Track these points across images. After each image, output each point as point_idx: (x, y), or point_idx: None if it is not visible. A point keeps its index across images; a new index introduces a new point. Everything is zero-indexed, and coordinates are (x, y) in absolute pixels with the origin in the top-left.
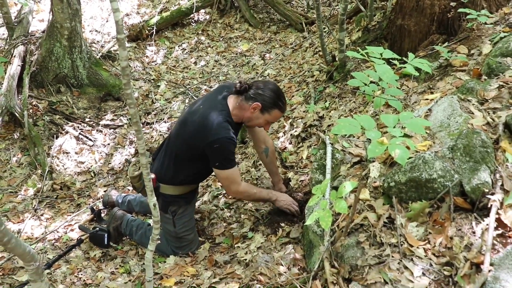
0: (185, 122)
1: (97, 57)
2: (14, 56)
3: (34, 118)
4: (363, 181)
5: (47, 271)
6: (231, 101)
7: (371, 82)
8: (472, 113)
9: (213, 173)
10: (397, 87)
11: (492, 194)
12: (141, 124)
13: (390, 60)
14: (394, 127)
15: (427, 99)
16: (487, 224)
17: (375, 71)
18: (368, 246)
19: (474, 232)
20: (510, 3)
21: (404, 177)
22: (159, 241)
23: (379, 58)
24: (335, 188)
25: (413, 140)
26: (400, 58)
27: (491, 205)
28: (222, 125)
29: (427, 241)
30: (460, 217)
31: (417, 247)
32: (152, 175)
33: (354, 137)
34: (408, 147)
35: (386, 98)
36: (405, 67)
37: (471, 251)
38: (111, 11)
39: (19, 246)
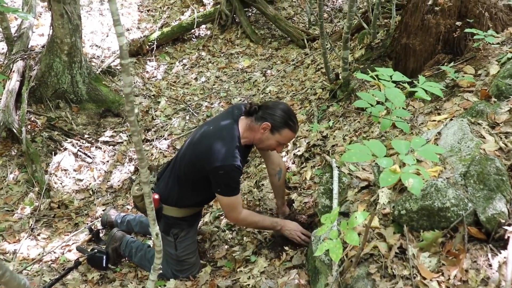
0: (193, 144)
1: (97, 72)
2: (13, 72)
3: (33, 134)
4: (374, 211)
5: None
6: (242, 123)
7: (377, 102)
8: (484, 138)
9: None
10: (404, 108)
11: (509, 225)
12: (144, 152)
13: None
14: (406, 153)
15: (434, 121)
16: (504, 257)
17: (380, 91)
18: (379, 278)
19: (490, 265)
20: None
21: (416, 205)
22: (160, 271)
23: (389, 81)
24: (343, 214)
25: (423, 165)
26: (410, 80)
27: (508, 236)
28: (230, 152)
29: (440, 273)
30: (475, 248)
31: (431, 280)
32: (156, 195)
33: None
34: (418, 173)
35: (394, 120)
36: (416, 91)
37: (488, 285)
38: (112, 25)
39: (14, 280)
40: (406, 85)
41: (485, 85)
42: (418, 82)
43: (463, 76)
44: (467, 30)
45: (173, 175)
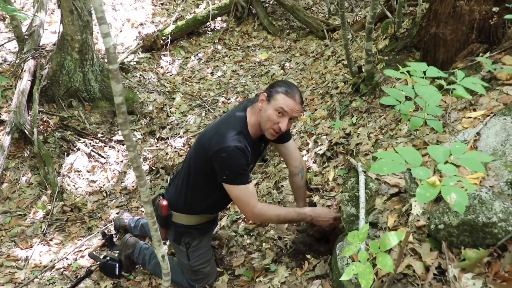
0: (199, 138)
1: None
2: (24, 71)
3: (45, 134)
4: (406, 223)
5: None
6: (249, 110)
7: (406, 99)
8: None
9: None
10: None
11: None
12: (143, 169)
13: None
14: (446, 162)
15: (469, 118)
16: None
17: (409, 85)
18: None
19: None
20: None
21: (456, 219)
22: None
23: (422, 77)
24: (371, 224)
25: (461, 170)
26: (447, 76)
27: None
28: (232, 135)
29: None
30: None
31: None
32: (164, 202)
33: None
34: (458, 182)
35: (425, 118)
36: (454, 89)
37: None
38: (126, 20)
39: None
40: (441, 81)
41: None
42: (454, 77)
43: (502, 68)
44: (507, 16)
45: (182, 177)
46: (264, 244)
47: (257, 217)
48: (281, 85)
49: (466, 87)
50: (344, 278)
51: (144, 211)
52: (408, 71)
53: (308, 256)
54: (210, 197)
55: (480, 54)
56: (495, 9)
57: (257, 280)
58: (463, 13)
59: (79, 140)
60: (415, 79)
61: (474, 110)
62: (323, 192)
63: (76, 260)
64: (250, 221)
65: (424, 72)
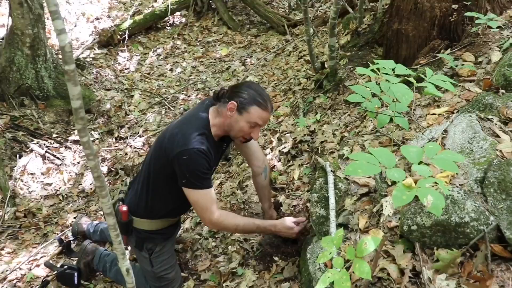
0: (159, 139)
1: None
2: None
3: None
4: (384, 234)
5: None
6: (212, 111)
7: (372, 95)
8: (498, 136)
9: None
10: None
11: None
12: (104, 178)
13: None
14: (419, 163)
15: (434, 114)
16: None
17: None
18: None
19: None
20: None
21: (429, 220)
22: None
23: (391, 75)
24: (341, 226)
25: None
26: (416, 74)
27: None
28: (194, 136)
29: None
30: (500, 269)
31: None
32: (124, 207)
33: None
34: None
35: (392, 115)
36: (425, 87)
37: None
38: (80, 14)
39: None
40: (411, 78)
41: (487, 73)
42: (418, 73)
43: (463, 64)
44: (467, 13)
45: (142, 181)
46: (230, 247)
47: (215, 225)
48: (252, 94)
49: (436, 84)
50: (319, 286)
51: (103, 215)
52: (378, 69)
53: (276, 258)
54: (172, 201)
55: (442, 51)
56: (454, 6)
57: (224, 285)
58: (425, 10)
59: (32, 140)
60: (385, 77)
61: (438, 106)
62: (288, 191)
63: (30, 270)
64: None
65: (393, 70)
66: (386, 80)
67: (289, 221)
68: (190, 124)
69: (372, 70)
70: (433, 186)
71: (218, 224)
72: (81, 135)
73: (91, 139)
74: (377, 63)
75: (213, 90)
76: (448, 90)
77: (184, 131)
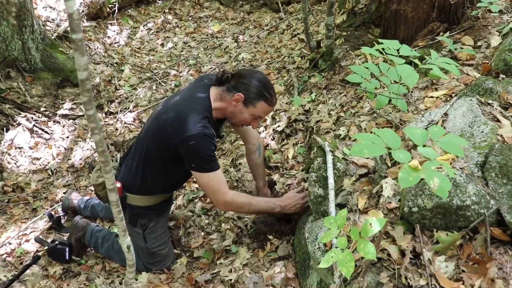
0: (158, 117)
1: (52, 37)
2: None
3: None
4: (392, 215)
5: None
6: (213, 93)
7: (372, 77)
8: (499, 121)
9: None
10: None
11: None
12: (108, 154)
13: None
14: (424, 145)
15: (432, 97)
16: None
17: (367, 62)
18: None
19: None
20: None
21: (431, 202)
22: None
23: (396, 55)
24: (339, 206)
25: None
26: (421, 55)
27: None
28: (198, 120)
29: (461, 281)
30: (498, 252)
31: None
32: (118, 184)
33: (355, 141)
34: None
35: (390, 97)
36: (430, 68)
37: None
38: None
39: None
40: (416, 60)
41: (486, 58)
42: (420, 56)
43: (462, 48)
44: None
45: (137, 158)
46: (223, 224)
47: (228, 205)
48: (259, 88)
49: (441, 67)
50: (322, 265)
51: (93, 192)
52: (383, 49)
53: (270, 237)
54: (167, 179)
55: (441, 33)
56: None
57: (217, 262)
58: None
59: (20, 114)
60: (391, 57)
61: (436, 89)
62: (283, 170)
63: (20, 245)
64: (208, 200)
65: (398, 50)
66: (390, 61)
67: (293, 196)
68: (192, 106)
69: (378, 50)
70: (438, 168)
71: (231, 204)
72: (86, 107)
73: (80, 113)
74: (381, 43)
75: (216, 73)
76: (447, 73)
77: (187, 114)
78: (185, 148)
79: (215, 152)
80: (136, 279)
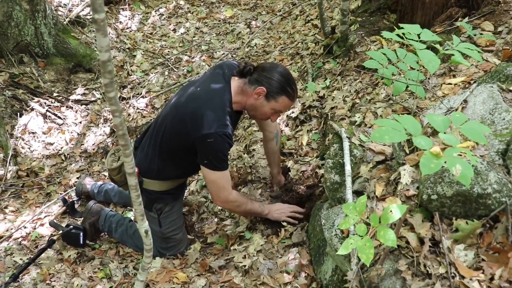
0: (177, 107)
1: (65, 23)
2: None
3: None
4: (410, 203)
5: (14, 284)
6: (234, 85)
7: (389, 63)
8: None
9: None
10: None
11: None
12: (128, 137)
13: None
14: (445, 132)
15: (450, 84)
16: None
17: (383, 47)
18: (411, 277)
19: None
20: None
21: (451, 190)
22: (150, 269)
23: (417, 40)
24: (356, 193)
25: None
26: (441, 40)
27: None
28: (221, 118)
29: (481, 270)
30: None
31: (471, 279)
32: (136, 169)
33: (371, 127)
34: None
35: (408, 83)
36: (452, 54)
37: None
38: None
39: None
40: (437, 45)
41: (507, 44)
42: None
43: (481, 34)
44: None
45: (153, 144)
46: None
47: (228, 204)
48: (282, 82)
49: (463, 52)
50: (341, 252)
51: (108, 176)
52: (403, 34)
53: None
54: (184, 167)
55: (459, 19)
56: None
57: (231, 248)
58: None
59: (33, 99)
60: (411, 43)
61: (454, 76)
62: (297, 156)
63: (35, 229)
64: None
65: (419, 35)
66: (407, 46)
67: (280, 205)
68: (213, 100)
69: (398, 35)
70: (460, 155)
71: (232, 203)
72: (108, 89)
73: (93, 98)
74: (402, 27)
75: (237, 63)
76: (466, 60)
77: (207, 109)
78: (202, 144)
79: (229, 153)
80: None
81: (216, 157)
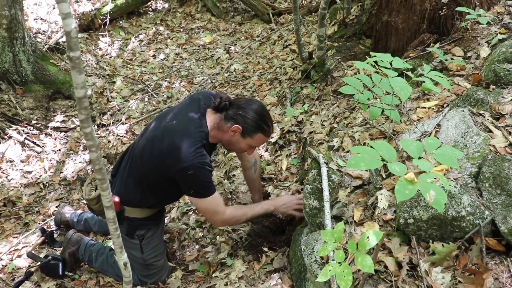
0: (153, 141)
1: (44, 49)
2: None
3: None
4: (387, 227)
5: None
6: (210, 119)
7: (364, 88)
8: (490, 132)
9: None
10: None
11: None
12: (105, 171)
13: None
14: (420, 157)
15: (424, 108)
16: None
17: (359, 73)
18: None
19: None
20: (501, 2)
21: (426, 214)
22: None
23: (389, 68)
24: (335, 218)
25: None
26: (412, 67)
27: None
28: (197, 150)
29: None
30: (494, 263)
31: None
32: (116, 198)
33: (349, 152)
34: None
35: (383, 108)
36: (423, 81)
37: None
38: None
39: None
40: (409, 72)
41: (476, 68)
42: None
43: (452, 59)
44: (458, 8)
45: (132, 175)
46: (218, 237)
47: (227, 222)
48: (257, 120)
49: (433, 79)
50: (320, 279)
51: (87, 205)
52: (375, 62)
53: (265, 249)
54: (166, 195)
55: (431, 44)
56: (444, 0)
57: (213, 275)
58: (415, 3)
59: (11, 127)
60: (384, 70)
61: (428, 100)
62: (276, 181)
63: (12, 260)
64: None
65: (391, 63)
66: (382, 71)
67: (286, 198)
68: (188, 132)
69: (369, 63)
70: (433, 180)
71: (230, 220)
72: (83, 125)
73: (72, 126)
74: (374, 56)
75: (213, 95)
76: (437, 84)
77: (182, 142)
78: (183, 177)
79: (211, 178)
80: None
81: (200, 186)
